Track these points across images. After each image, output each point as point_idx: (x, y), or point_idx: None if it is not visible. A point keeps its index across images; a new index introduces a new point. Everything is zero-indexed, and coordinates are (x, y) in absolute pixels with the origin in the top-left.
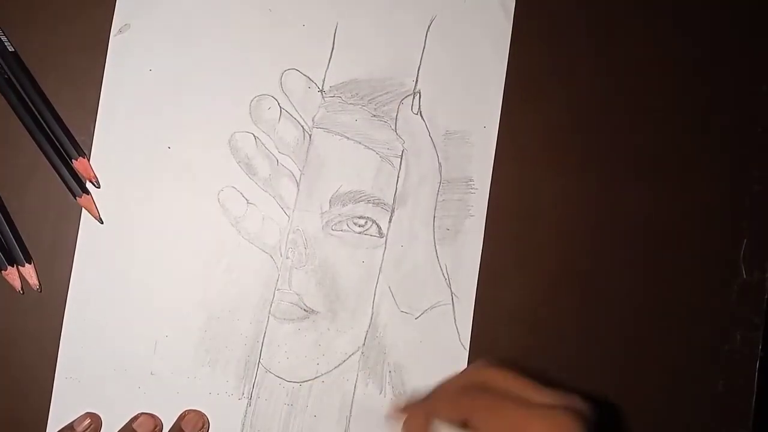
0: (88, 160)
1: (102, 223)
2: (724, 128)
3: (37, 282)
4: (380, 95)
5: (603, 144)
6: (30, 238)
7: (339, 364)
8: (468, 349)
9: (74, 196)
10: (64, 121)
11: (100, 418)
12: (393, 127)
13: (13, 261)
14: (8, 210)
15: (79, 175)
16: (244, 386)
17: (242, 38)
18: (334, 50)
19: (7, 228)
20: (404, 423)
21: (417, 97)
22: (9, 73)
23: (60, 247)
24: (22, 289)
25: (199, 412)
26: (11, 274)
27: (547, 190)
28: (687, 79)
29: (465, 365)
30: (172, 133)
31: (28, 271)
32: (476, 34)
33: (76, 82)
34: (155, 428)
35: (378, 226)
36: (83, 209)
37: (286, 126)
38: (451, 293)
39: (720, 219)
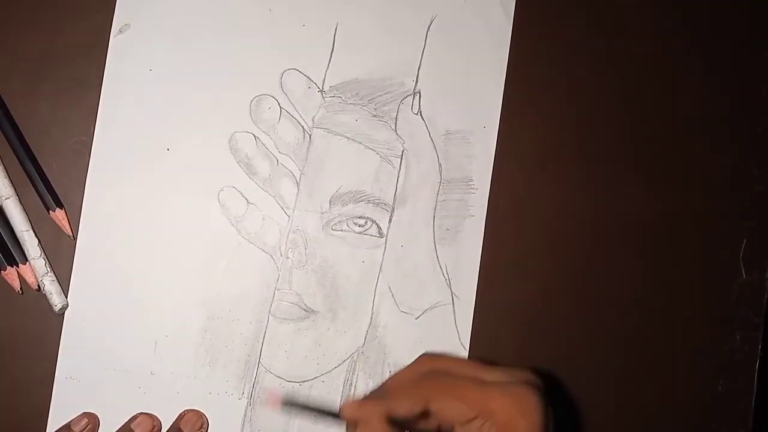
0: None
1: (73, 239)
2: (723, 128)
3: (36, 282)
4: (380, 95)
5: (603, 144)
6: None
7: (339, 364)
8: (468, 349)
9: (48, 210)
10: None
11: (98, 418)
12: (393, 127)
13: (12, 261)
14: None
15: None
16: (244, 386)
17: (242, 38)
18: (334, 50)
19: (7, 228)
20: (360, 427)
21: (417, 97)
22: None
23: (60, 247)
24: (21, 289)
25: (198, 411)
26: (11, 274)
27: (547, 190)
28: (687, 80)
29: None
30: (172, 134)
31: (28, 271)
32: (476, 34)
33: (76, 82)
34: (153, 428)
35: (378, 226)
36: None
37: (286, 126)
38: (451, 293)
39: (720, 219)
